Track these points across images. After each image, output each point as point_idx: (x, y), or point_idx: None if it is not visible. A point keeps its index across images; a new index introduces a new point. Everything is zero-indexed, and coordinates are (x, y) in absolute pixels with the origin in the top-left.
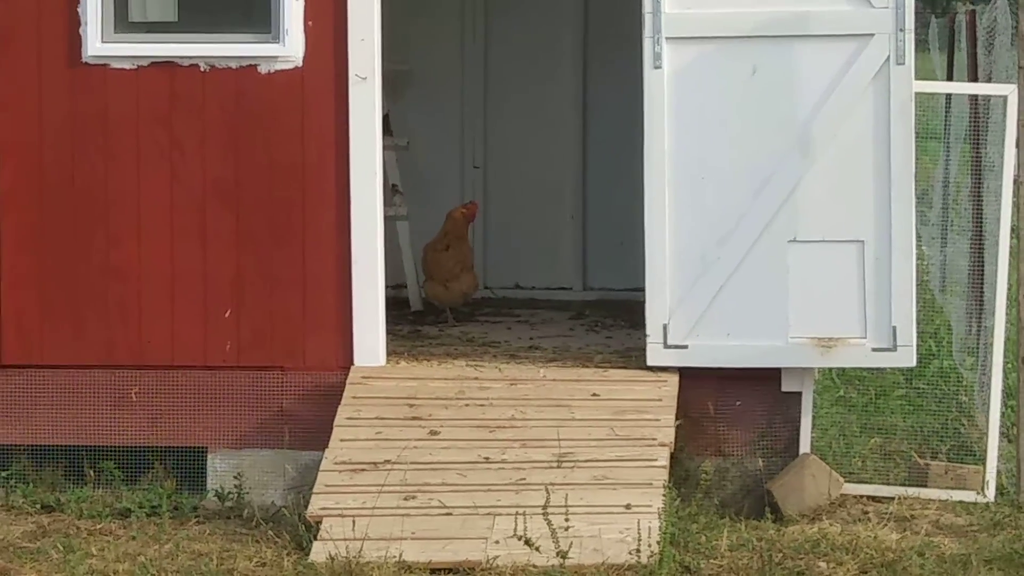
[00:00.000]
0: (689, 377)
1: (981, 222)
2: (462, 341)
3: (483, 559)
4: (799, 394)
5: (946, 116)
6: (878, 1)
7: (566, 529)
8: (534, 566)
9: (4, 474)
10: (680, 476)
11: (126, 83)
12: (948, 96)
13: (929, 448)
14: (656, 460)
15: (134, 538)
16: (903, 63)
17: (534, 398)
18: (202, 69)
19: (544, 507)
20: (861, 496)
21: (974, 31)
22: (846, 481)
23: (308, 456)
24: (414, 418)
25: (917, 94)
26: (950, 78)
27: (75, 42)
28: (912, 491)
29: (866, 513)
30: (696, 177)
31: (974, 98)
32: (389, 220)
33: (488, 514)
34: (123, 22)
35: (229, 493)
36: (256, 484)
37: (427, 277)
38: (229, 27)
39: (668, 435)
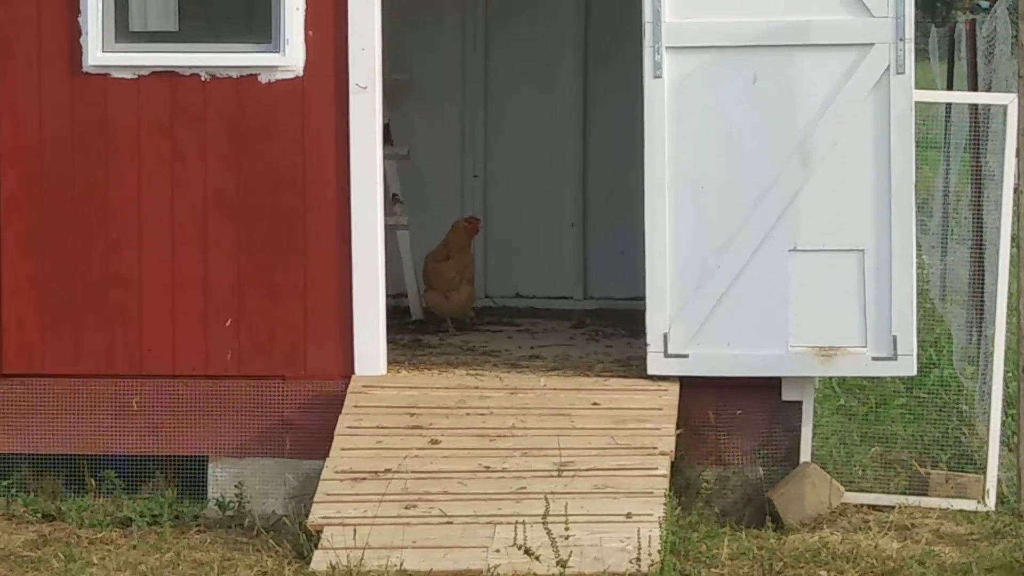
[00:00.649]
0: (690, 386)
1: (981, 231)
2: (463, 350)
3: (483, 568)
4: (799, 403)
5: (946, 125)
6: (878, 11)
7: (566, 538)
8: (535, 575)
9: (5, 483)
10: (681, 485)
11: (127, 92)
12: (948, 105)
13: (930, 457)
14: (657, 469)
15: (135, 547)
16: (903, 72)
17: (535, 407)
18: (203, 78)
19: (544, 516)
20: (862, 505)
21: (974, 40)
22: (847, 490)
23: (309, 465)
24: (415, 427)
25: (917, 103)
26: (950, 87)
27: (76, 51)
28: (913, 500)
29: (867, 522)
30: (696, 186)
31: (974, 107)
32: (390, 229)
33: (488, 523)
34: (124, 31)
35: (230, 502)
36: (257, 493)
37: (427, 287)
38: (230, 37)
39: (669, 444)
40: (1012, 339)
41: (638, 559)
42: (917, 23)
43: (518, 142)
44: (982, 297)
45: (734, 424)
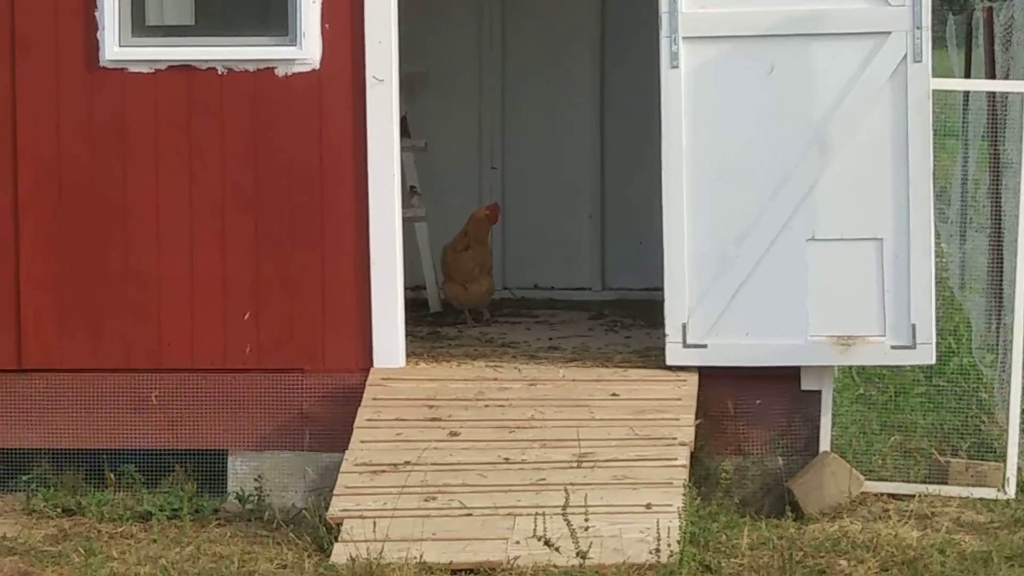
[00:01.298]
0: (708, 376)
1: (1000, 219)
2: (481, 342)
3: (503, 560)
4: (819, 392)
5: (964, 113)
6: None
7: (586, 529)
8: (554, 566)
9: (25, 478)
10: (700, 475)
11: (144, 87)
12: (966, 93)
13: (949, 445)
14: (676, 459)
15: (155, 541)
16: (920, 61)
17: (553, 398)
18: (219, 72)
19: (564, 507)
20: (881, 494)
21: (991, 28)
22: (866, 479)
23: (328, 458)
24: (434, 419)
25: (935, 91)
26: (968, 75)
27: (92, 46)
28: (932, 488)
29: (886, 511)
30: (714, 176)
31: (992, 95)
32: (407, 221)
33: (508, 515)
34: (140, 26)
35: (250, 495)
36: (276, 486)
37: (446, 278)
38: (246, 30)
39: (688, 434)
40: None
41: (658, 550)
42: (934, 11)
43: (535, 133)
44: (1001, 285)
45: (753, 414)
